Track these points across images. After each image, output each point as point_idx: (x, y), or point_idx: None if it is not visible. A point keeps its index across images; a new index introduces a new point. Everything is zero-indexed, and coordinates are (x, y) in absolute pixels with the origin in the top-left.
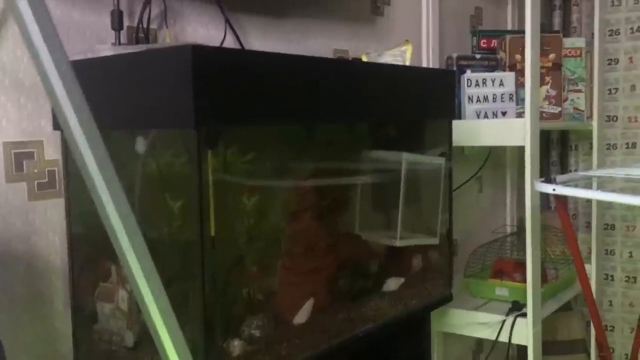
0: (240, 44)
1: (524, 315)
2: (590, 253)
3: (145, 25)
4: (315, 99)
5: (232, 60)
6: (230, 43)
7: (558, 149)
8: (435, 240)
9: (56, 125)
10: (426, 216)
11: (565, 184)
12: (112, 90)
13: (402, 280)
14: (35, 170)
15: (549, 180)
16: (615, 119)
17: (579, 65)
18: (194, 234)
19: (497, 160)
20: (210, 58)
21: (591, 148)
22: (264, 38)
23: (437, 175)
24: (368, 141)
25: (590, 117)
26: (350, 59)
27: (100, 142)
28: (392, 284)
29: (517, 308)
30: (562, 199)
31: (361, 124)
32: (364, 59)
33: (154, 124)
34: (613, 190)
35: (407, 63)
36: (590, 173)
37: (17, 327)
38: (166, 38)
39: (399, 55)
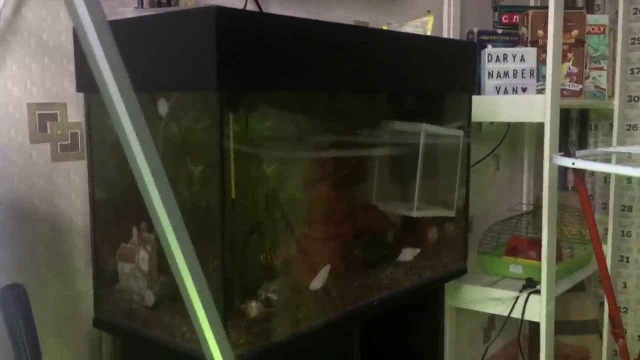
0: (261, 11)
1: (538, 292)
2: (606, 234)
3: None
4: (336, 66)
5: (256, 23)
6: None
7: (577, 128)
8: (451, 213)
9: (79, 87)
10: (443, 189)
11: (584, 158)
12: (135, 53)
13: (418, 251)
14: (59, 132)
15: (568, 154)
16: (636, 99)
17: (602, 42)
18: (215, 197)
19: (514, 139)
20: (234, 20)
21: (611, 128)
22: (285, 8)
23: (455, 148)
24: (387, 111)
25: (612, 96)
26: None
27: (136, 103)
28: (408, 254)
29: (530, 285)
30: (581, 174)
31: (381, 94)
32: (385, 28)
33: (177, 86)
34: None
35: (428, 34)
36: (610, 149)
37: (40, 286)
38: (188, 2)
39: (420, 26)
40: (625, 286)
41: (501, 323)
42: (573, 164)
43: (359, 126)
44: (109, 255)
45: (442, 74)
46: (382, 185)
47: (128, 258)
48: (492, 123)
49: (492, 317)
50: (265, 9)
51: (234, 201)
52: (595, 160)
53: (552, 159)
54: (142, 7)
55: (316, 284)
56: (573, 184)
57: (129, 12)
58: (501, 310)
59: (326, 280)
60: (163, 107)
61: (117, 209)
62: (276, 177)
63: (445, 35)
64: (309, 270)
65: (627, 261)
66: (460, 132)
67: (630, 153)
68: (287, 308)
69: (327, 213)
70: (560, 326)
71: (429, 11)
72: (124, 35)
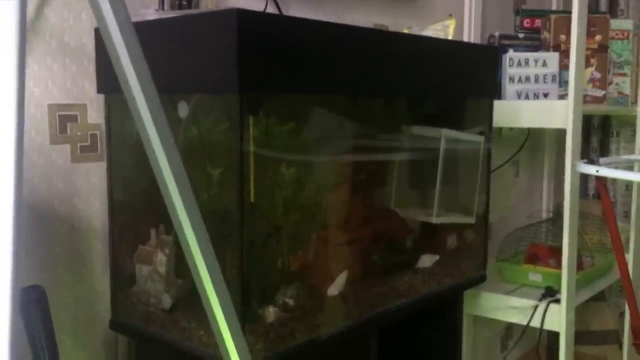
0: (281, 13)
1: (557, 301)
2: (627, 243)
3: None
4: (357, 70)
5: (277, 26)
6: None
7: (599, 135)
8: (471, 220)
9: (100, 89)
10: (463, 196)
11: (608, 166)
12: (156, 55)
13: (437, 257)
14: (79, 133)
15: (592, 161)
16: None
17: (626, 48)
18: (234, 200)
19: (534, 145)
20: (255, 23)
21: (633, 135)
22: (305, 11)
23: (475, 155)
24: (408, 116)
25: (635, 102)
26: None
27: (159, 105)
28: (427, 260)
29: (550, 294)
30: (604, 182)
31: (401, 99)
32: (406, 32)
33: (198, 88)
34: None
35: (449, 38)
36: (634, 157)
37: (58, 286)
38: (208, 4)
39: (441, 30)
40: None
41: (519, 332)
42: (597, 171)
43: (379, 130)
44: (127, 257)
45: (463, 78)
46: (401, 190)
47: (146, 260)
48: (511, 129)
49: (510, 326)
50: (284, 12)
51: (253, 205)
52: (617, 168)
53: (575, 166)
54: (162, 9)
55: (334, 289)
56: (594, 192)
57: (150, 14)
58: (520, 319)
59: (344, 286)
60: (183, 109)
61: (135, 211)
62: (295, 181)
63: (465, 38)
64: (326, 275)
65: None
66: (481, 138)
67: None
68: (305, 314)
69: (346, 218)
70: (580, 336)
71: (450, 15)
72: (145, 37)
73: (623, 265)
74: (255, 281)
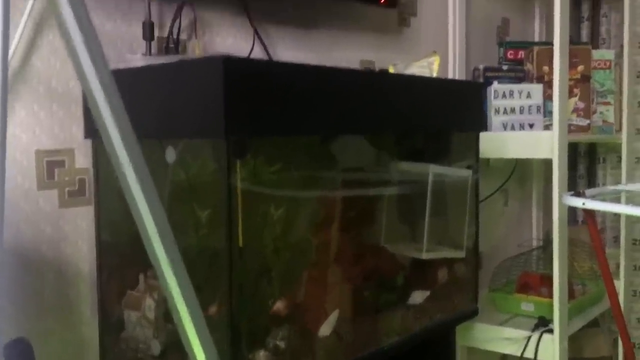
0: (268, 54)
1: (550, 331)
2: (618, 269)
3: (175, 36)
4: (342, 110)
5: (262, 71)
6: (258, 53)
7: (585, 162)
8: (461, 254)
9: (87, 134)
10: (452, 229)
11: (594, 197)
12: (143, 100)
13: (428, 293)
14: (66, 178)
15: (578, 194)
16: None
17: (608, 77)
18: (222, 244)
19: (523, 173)
20: (241, 69)
21: (619, 161)
22: (292, 49)
23: (463, 188)
24: (395, 152)
25: (620, 130)
26: (377, 70)
27: (139, 151)
28: (418, 296)
29: (543, 324)
30: (591, 213)
31: (388, 135)
32: (391, 70)
33: (184, 133)
34: None
35: (434, 74)
36: (620, 187)
37: (46, 333)
38: (195, 49)
39: (426, 67)
40: (639, 321)
41: None
42: (583, 204)
43: (367, 168)
44: (116, 302)
45: (449, 114)
46: (391, 226)
47: (134, 306)
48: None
49: (505, 357)
50: (272, 51)
51: (241, 248)
52: (604, 199)
53: (562, 199)
54: (150, 54)
55: (325, 330)
56: (583, 218)
57: (137, 59)
58: (514, 350)
59: (335, 326)
60: (171, 154)
61: (123, 255)
62: (284, 222)
63: (450, 71)
64: (318, 315)
65: None
66: (468, 172)
67: None
68: (296, 356)
69: (336, 256)
70: None
71: (435, 52)
72: (133, 83)
73: (613, 294)
74: (245, 324)
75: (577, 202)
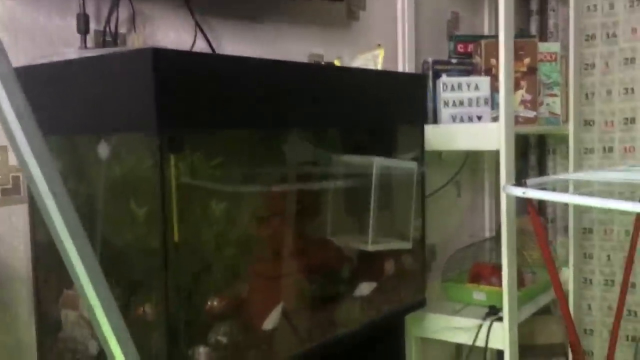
0: (211, 47)
1: (500, 319)
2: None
3: (113, 30)
4: (283, 103)
5: (196, 64)
6: (202, 47)
7: (536, 153)
8: (408, 245)
9: None
10: (399, 221)
11: (538, 187)
12: (76, 94)
13: (375, 285)
14: (0, 176)
15: (520, 183)
16: (592, 123)
17: (554, 69)
18: (158, 240)
19: (474, 165)
20: (173, 61)
21: (568, 152)
22: (238, 42)
23: (410, 180)
24: (339, 145)
25: (567, 121)
26: (324, 63)
27: (46, 149)
28: (365, 288)
29: (493, 312)
30: (534, 202)
31: (332, 129)
32: (337, 63)
33: (118, 128)
34: (590, 193)
35: (379, 67)
36: (563, 176)
37: None
38: (135, 42)
39: (371, 60)
40: (589, 308)
41: (468, 352)
42: (523, 193)
43: (311, 161)
44: (53, 302)
45: (391, 107)
46: (337, 219)
47: (71, 305)
48: None
49: (460, 346)
50: (217, 44)
51: (177, 244)
52: (552, 188)
53: (504, 189)
54: (85, 47)
55: (269, 323)
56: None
57: (72, 52)
58: (466, 339)
59: (280, 320)
60: (104, 149)
61: (59, 254)
62: (224, 216)
63: (400, 65)
64: (261, 310)
65: (591, 283)
66: (414, 164)
67: (587, 180)
68: (240, 351)
69: (279, 251)
70: (527, 351)
71: (379, 45)
72: (65, 77)
73: (557, 285)
74: (184, 321)
75: (518, 192)
